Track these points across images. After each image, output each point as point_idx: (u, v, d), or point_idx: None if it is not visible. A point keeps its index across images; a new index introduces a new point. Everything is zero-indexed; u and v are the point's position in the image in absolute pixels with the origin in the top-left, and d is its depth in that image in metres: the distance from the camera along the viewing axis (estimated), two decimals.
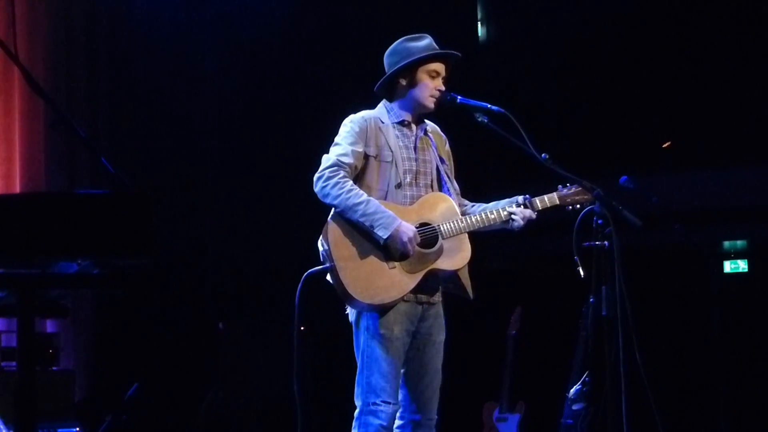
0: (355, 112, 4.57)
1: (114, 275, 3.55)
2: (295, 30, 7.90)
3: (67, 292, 4.14)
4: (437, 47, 4.55)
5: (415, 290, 4.40)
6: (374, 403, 4.34)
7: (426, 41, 4.54)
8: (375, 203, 4.34)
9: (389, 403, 4.35)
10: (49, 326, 6.62)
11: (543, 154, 4.43)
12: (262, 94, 7.87)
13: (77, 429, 6.01)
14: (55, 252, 3.46)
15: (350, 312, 4.49)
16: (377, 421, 4.34)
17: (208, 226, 7.91)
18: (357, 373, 4.43)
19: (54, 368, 6.32)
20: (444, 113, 4.60)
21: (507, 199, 4.56)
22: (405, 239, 4.30)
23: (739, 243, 8.02)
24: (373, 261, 4.35)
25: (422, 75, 4.52)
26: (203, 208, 7.88)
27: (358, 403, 4.41)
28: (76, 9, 7.20)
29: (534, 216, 4.52)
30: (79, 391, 6.69)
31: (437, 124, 4.72)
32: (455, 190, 4.61)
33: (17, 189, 6.69)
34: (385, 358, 4.35)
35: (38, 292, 3.67)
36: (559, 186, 4.60)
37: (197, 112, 7.92)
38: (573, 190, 4.56)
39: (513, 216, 4.48)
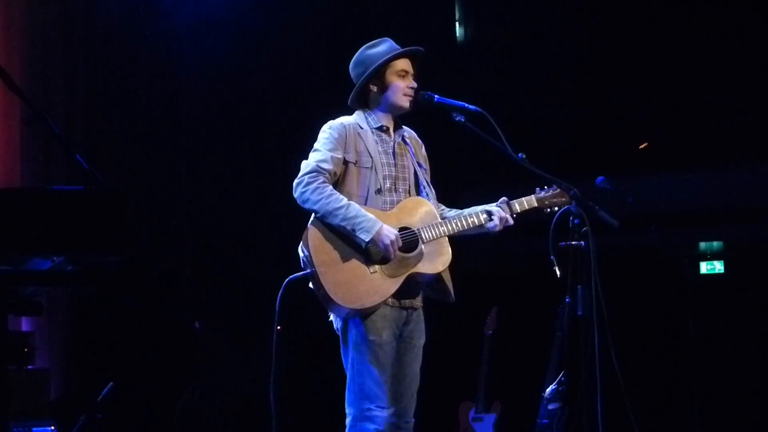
0: (334, 117, 4.56)
1: (88, 272, 3.53)
2: (274, 33, 7.89)
3: (41, 289, 4.11)
4: (398, 47, 4.56)
5: (397, 295, 4.39)
6: (369, 409, 4.32)
7: (386, 44, 4.55)
8: (355, 207, 4.33)
9: (383, 408, 4.34)
10: (24, 325, 6.58)
11: (520, 154, 4.44)
12: (242, 93, 7.86)
13: (52, 428, 5.97)
14: (28, 248, 3.44)
15: (335, 320, 4.46)
16: (373, 426, 4.31)
17: (185, 224, 7.88)
18: (348, 380, 4.39)
19: (29, 367, 6.28)
20: (421, 115, 4.60)
21: (484, 205, 4.57)
22: (387, 242, 4.30)
23: (716, 244, 8.07)
24: (354, 266, 4.34)
25: (391, 77, 4.52)
26: (180, 206, 7.86)
27: (350, 410, 4.37)
28: (53, 6, 7.15)
29: (511, 221, 4.53)
30: (54, 390, 6.65)
31: (414, 128, 4.72)
32: (432, 195, 4.61)
33: None
34: (376, 364, 4.34)
35: (12, 288, 3.64)
36: (537, 189, 4.61)
37: (175, 109, 7.90)
38: (550, 192, 4.59)
39: (491, 215, 4.49)
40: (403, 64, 4.53)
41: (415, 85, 4.54)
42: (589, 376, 4.34)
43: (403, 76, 4.53)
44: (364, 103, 4.59)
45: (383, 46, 4.54)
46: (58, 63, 7.15)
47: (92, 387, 6.46)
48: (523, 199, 4.59)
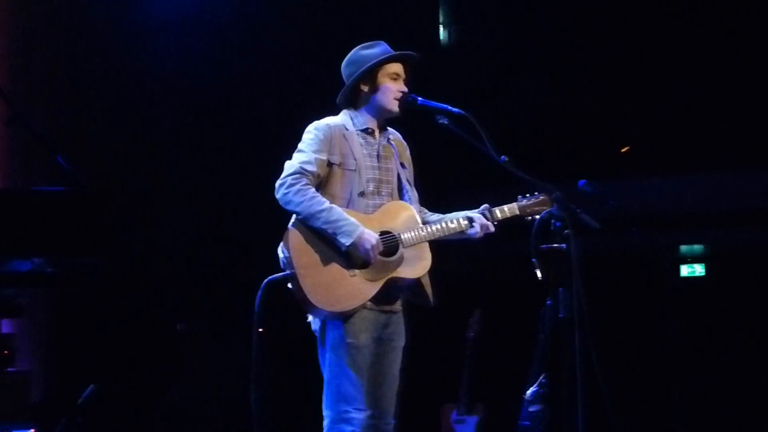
0: (319, 117, 4.56)
1: (69, 274, 3.52)
2: (257, 31, 7.88)
3: (21, 291, 4.09)
4: (392, 51, 4.56)
5: (376, 299, 4.40)
6: (346, 411, 4.33)
7: (381, 47, 4.57)
8: (338, 210, 4.34)
9: (360, 410, 4.35)
10: (5, 327, 6.54)
11: (502, 157, 4.45)
12: (225, 92, 7.84)
13: (32, 431, 5.94)
14: (8, 249, 3.43)
15: (313, 321, 4.48)
16: (350, 428, 4.33)
17: (167, 226, 7.86)
18: (324, 382, 4.41)
19: (9, 369, 6.24)
20: (405, 117, 4.60)
21: (466, 211, 4.58)
22: (368, 246, 4.31)
23: (696, 247, 8.10)
24: (334, 269, 4.34)
25: (383, 79, 4.54)
26: (162, 208, 7.84)
27: (327, 412, 4.39)
28: (37, 6, 7.13)
29: (492, 229, 4.55)
30: (35, 393, 6.62)
31: (399, 130, 4.72)
32: (415, 198, 4.61)
33: None
34: (353, 366, 4.35)
35: None
36: (519, 196, 4.63)
37: (157, 110, 7.88)
38: (532, 200, 4.61)
39: (472, 221, 4.50)
40: (396, 67, 4.55)
41: (405, 89, 4.54)
42: (570, 378, 4.35)
43: (395, 80, 4.54)
44: (353, 103, 4.59)
45: (378, 48, 4.56)
46: (40, 63, 7.12)
47: (73, 389, 6.44)
48: (504, 206, 4.61)
